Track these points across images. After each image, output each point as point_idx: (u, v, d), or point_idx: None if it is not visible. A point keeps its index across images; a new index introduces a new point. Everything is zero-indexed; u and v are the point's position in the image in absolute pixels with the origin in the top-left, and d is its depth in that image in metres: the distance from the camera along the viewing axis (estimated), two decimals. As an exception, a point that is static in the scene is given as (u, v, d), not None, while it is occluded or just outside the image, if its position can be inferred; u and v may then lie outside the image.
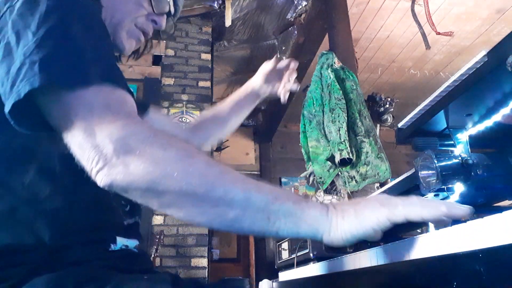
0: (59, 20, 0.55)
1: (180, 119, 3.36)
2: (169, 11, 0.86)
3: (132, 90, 0.77)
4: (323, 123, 2.33)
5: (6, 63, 0.54)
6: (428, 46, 3.22)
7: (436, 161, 0.73)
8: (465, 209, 0.54)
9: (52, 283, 0.55)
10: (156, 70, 3.50)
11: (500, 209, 0.54)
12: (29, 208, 0.59)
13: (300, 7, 3.65)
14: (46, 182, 0.61)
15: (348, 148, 2.13)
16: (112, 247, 0.66)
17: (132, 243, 0.71)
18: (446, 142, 0.86)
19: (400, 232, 1.02)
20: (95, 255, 0.63)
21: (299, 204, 0.55)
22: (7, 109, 0.52)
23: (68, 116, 0.53)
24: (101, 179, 0.52)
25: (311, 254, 1.28)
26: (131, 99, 0.58)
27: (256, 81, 1.26)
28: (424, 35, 3.22)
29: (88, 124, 0.52)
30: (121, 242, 0.68)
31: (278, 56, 4.24)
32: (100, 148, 0.52)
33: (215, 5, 3.49)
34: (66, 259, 0.59)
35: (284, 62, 1.23)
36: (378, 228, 0.55)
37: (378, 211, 0.55)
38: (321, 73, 2.45)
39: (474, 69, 0.71)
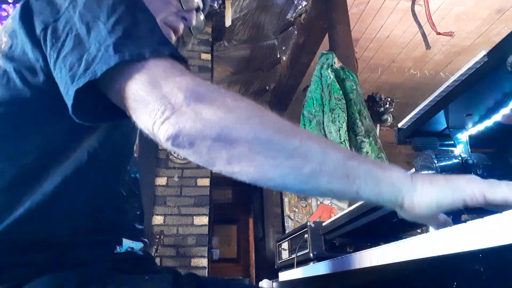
0: (126, 10, 0.56)
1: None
2: (198, 6, 0.84)
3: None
4: (323, 123, 2.33)
5: (78, 51, 0.54)
6: (428, 46, 3.21)
7: (436, 161, 0.73)
8: None
9: (53, 283, 0.55)
10: (156, 70, 3.50)
11: (500, 209, 0.54)
12: (36, 209, 0.59)
13: (300, 7, 3.65)
14: (55, 183, 0.60)
15: (348, 148, 2.13)
16: (118, 249, 0.67)
17: (137, 245, 0.71)
18: (446, 142, 0.86)
19: (400, 232, 1.02)
20: (100, 256, 0.63)
21: (379, 165, 0.52)
22: (75, 88, 0.51)
23: (134, 83, 0.51)
24: (166, 130, 0.48)
25: (311, 254, 1.28)
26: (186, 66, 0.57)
27: None
28: (424, 35, 3.22)
29: (153, 78, 0.50)
30: (127, 244, 0.68)
31: (278, 56, 4.24)
32: (168, 97, 0.49)
33: (215, 5, 3.49)
34: (71, 260, 0.59)
35: None
36: (470, 202, 0.49)
37: (476, 183, 0.50)
38: (321, 73, 2.46)
39: (474, 69, 0.71)
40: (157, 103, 0.49)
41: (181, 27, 0.82)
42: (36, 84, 0.59)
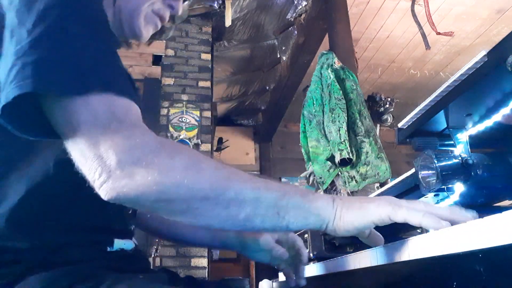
0: (57, 18, 0.52)
1: (180, 119, 3.36)
2: None
3: (137, 93, 0.75)
4: (323, 123, 2.33)
5: (1, 64, 0.52)
6: (428, 47, 3.21)
7: (436, 161, 0.73)
8: (469, 216, 0.55)
9: (46, 281, 0.55)
10: (156, 70, 3.50)
11: (500, 209, 0.54)
12: (26, 207, 0.59)
13: (300, 7, 3.65)
14: (45, 182, 0.60)
15: (348, 148, 2.13)
16: (109, 249, 0.66)
17: (129, 245, 0.71)
18: (446, 142, 0.86)
19: (400, 232, 1.02)
20: (92, 255, 0.63)
21: (307, 197, 0.58)
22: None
23: (70, 124, 0.51)
24: (105, 193, 0.50)
25: (311, 254, 1.27)
26: (135, 107, 0.56)
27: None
28: (424, 35, 3.22)
29: (91, 133, 0.51)
30: (118, 245, 0.68)
31: (278, 56, 4.24)
32: (103, 159, 0.50)
33: (215, 5, 3.48)
34: (63, 258, 0.59)
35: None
36: (378, 223, 0.57)
37: (382, 207, 0.57)
38: (321, 73, 2.46)
39: (474, 69, 0.71)
40: (94, 163, 0.50)
41: (167, 15, 0.81)
42: None
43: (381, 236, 0.67)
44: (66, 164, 0.56)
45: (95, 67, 0.53)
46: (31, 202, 0.59)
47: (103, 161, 0.50)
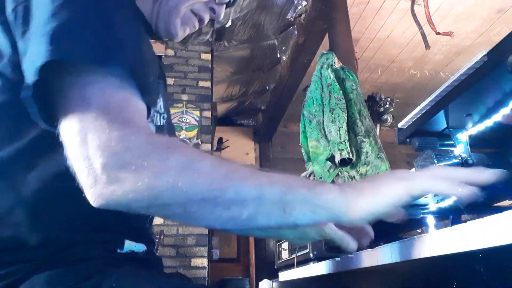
0: (80, 5, 0.52)
1: (180, 119, 3.36)
2: (229, 0, 0.80)
3: (159, 77, 0.71)
4: (323, 123, 2.33)
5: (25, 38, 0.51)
6: (428, 46, 3.21)
7: (436, 161, 0.73)
8: (490, 173, 0.50)
9: (51, 280, 0.54)
10: (156, 70, 3.49)
11: (500, 209, 0.54)
12: (35, 205, 0.58)
13: (300, 7, 3.65)
14: (53, 180, 0.59)
15: (348, 148, 2.13)
16: (119, 250, 0.64)
17: (140, 248, 0.68)
18: (446, 142, 0.86)
19: (400, 232, 1.02)
20: (100, 254, 0.61)
21: (314, 190, 0.53)
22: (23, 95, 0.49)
23: (66, 108, 0.50)
24: (94, 199, 0.48)
25: (311, 254, 1.28)
26: (136, 102, 0.54)
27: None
28: (424, 35, 3.22)
29: (82, 125, 0.49)
30: (129, 247, 0.66)
31: (278, 56, 4.24)
32: (90, 160, 0.48)
33: (215, 5, 3.48)
34: (69, 257, 0.58)
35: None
36: (398, 204, 0.51)
37: (396, 186, 0.52)
38: (321, 73, 2.45)
39: (474, 69, 0.71)
40: (83, 164, 0.48)
41: (206, 18, 0.78)
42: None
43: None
44: None
45: (107, 43, 0.52)
46: (43, 197, 0.58)
47: (90, 163, 0.47)
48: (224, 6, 0.80)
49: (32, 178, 0.58)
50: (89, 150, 0.48)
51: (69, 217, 0.60)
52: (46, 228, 0.58)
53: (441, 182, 0.50)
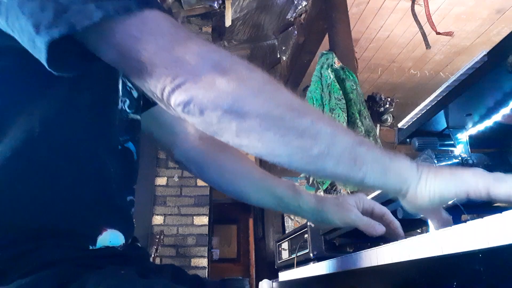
0: None
1: (180, 119, 3.35)
2: None
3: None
4: (323, 123, 2.33)
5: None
6: (428, 46, 3.21)
7: (436, 161, 0.73)
8: None
9: None
10: (156, 70, 3.49)
11: (500, 209, 0.54)
12: None
13: (300, 7, 3.65)
14: (13, 157, 0.50)
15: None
16: (91, 247, 0.54)
17: (116, 241, 0.58)
18: (446, 142, 0.86)
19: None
20: (69, 255, 0.51)
21: (387, 153, 0.51)
22: (45, 39, 0.43)
23: (134, 42, 0.46)
24: (177, 96, 0.46)
25: (311, 254, 1.28)
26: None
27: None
28: (424, 35, 3.22)
29: (161, 42, 0.46)
30: (101, 242, 0.55)
31: (278, 56, 4.24)
32: (180, 61, 0.46)
33: (215, 5, 3.48)
34: (38, 260, 0.48)
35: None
36: (473, 195, 0.49)
37: (481, 177, 0.49)
38: (321, 73, 2.45)
39: (474, 69, 0.71)
40: (167, 69, 0.46)
41: None
42: None
43: (449, 216, 0.58)
44: (54, 125, 0.50)
45: None
46: (6, 196, 0.49)
47: (180, 64, 0.46)
48: None
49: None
50: (178, 54, 0.46)
51: (30, 203, 0.50)
52: (6, 230, 0.48)
53: None
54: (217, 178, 0.82)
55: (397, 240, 0.62)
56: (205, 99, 0.45)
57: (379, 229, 0.67)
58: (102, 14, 0.44)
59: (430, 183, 0.50)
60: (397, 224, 0.72)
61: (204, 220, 3.18)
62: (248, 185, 0.81)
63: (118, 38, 0.46)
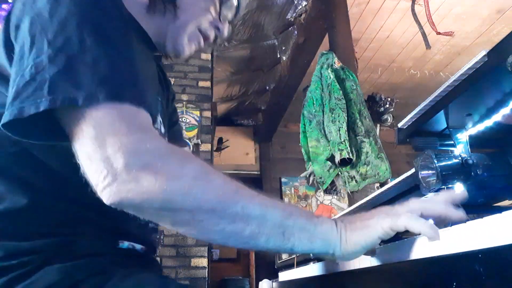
0: (76, 29, 0.51)
1: (180, 119, 3.36)
2: (232, 18, 0.86)
3: (158, 96, 0.75)
4: (323, 123, 2.33)
5: (16, 69, 0.52)
6: (428, 46, 3.21)
7: (436, 161, 0.73)
8: (459, 214, 0.55)
9: (63, 273, 0.56)
10: (156, 70, 3.49)
11: (500, 209, 0.54)
12: (43, 198, 0.59)
13: (300, 7, 3.65)
14: (63, 177, 0.60)
15: (348, 148, 2.13)
16: (120, 244, 0.66)
17: (138, 245, 0.71)
18: (446, 142, 0.86)
19: (400, 232, 1.02)
20: (104, 249, 0.63)
21: (311, 220, 0.56)
22: (2, 121, 0.49)
23: (79, 129, 0.50)
24: (108, 196, 0.48)
25: (311, 254, 1.27)
26: (145, 114, 0.54)
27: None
28: (424, 35, 3.22)
29: (99, 134, 0.49)
30: (127, 243, 0.68)
31: (278, 56, 4.24)
32: (110, 161, 0.48)
33: (215, 5, 3.48)
34: (78, 250, 0.59)
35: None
36: (384, 237, 0.56)
37: (382, 220, 0.56)
38: (321, 73, 2.45)
39: (474, 69, 0.71)
40: (100, 165, 0.48)
41: (212, 35, 0.82)
42: None
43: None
44: None
45: (107, 78, 0.51)
46: (51, 191, 0.60)
47: (109, 163, 0.48)
48: (228, 23, 0.84)
49: (45, 175, 0.60)
50: (109, 152, 0.48)
51: (73, 207, 0.61)
52: (51, 219, 0.60)
53: (421, 225, 0.53)
54: None
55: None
56: (136, 200, 0.49)
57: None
58: (49, 105, 0.48)
59: (349, 239, 0.56)
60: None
61: (204, 220, 3.18)
62: None
63: (64, 123, 0.52)
